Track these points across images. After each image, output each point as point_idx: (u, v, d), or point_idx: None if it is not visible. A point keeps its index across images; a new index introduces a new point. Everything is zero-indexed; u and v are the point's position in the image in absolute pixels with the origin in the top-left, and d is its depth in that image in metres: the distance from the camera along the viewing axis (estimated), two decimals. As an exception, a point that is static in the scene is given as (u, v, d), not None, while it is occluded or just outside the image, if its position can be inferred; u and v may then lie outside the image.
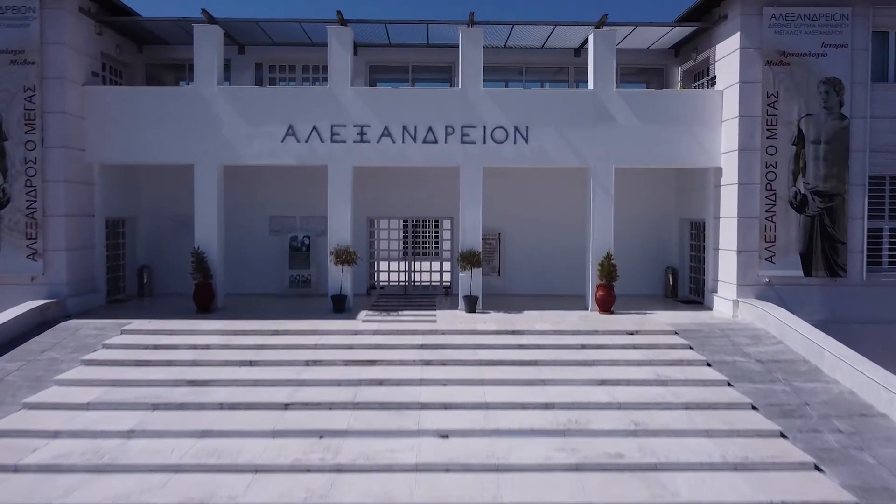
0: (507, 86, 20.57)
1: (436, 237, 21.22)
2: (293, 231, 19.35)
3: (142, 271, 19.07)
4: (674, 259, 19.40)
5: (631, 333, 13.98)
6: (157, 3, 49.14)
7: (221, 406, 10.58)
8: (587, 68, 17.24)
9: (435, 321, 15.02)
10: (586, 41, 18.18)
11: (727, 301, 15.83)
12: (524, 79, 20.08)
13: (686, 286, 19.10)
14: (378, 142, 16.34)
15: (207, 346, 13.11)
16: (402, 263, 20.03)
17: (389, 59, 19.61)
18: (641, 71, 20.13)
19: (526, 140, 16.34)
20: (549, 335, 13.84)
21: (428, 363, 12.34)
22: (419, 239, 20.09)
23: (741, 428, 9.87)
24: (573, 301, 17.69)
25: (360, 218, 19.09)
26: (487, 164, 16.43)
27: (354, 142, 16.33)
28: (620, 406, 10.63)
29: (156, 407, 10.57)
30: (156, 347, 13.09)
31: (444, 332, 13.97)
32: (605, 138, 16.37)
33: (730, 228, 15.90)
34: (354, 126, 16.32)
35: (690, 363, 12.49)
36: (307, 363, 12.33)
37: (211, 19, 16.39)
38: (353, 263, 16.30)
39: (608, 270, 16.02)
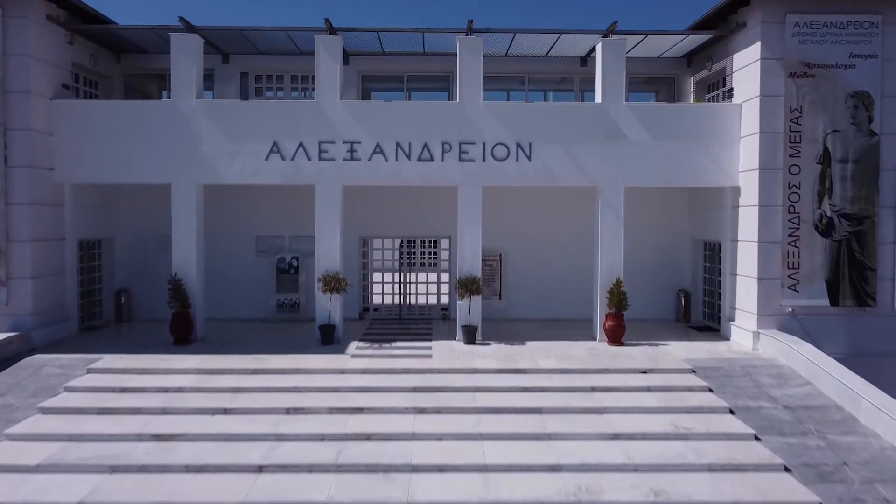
0: (508, 96, 19.44)
1: (433, 255, 20.05)
2: (281, 252, 18.17)
3: (120, 295, 17.90)
4: (686, 281, 18.20)
5: (644, 372, 12.79)
6: (138, 10, 47.94)
7: (187, 468, 9.39)
8: (594, 78, 16.09)
9: (430, 356, 13.83)
10: (593, 50, 17.02)
11: (746, 332, 14.63)
12: (527, 88, 18.91)
13: (699, 310, 17.91)
14: (369, 159, 15.16)
15: (180, 389, 11.93)
16: (396, 286, 18.81)
17: (383, 68, 18.43)
18: (650, 80, 18.94)
19: (529, 157, 15.15)
20: (555, 374, 12.66)
21: (421, 411, 11.15)
22: (415, 259, 18.87)
23: (776, 500, 8.66)
24: (580, 328, 16.51)
25: (352, 238, 17.93)
26: (487, 183, 15.25)
27: (344, 159, 15.15)
28: (637, 468, 9.43)
29: (114, 469, 9.38)
30: (123, 390, 11.91)
31: (439, 371, 12.79)
32: (614, 156, 15.18)
33: (749, 253, 14.71)
34: (344, 142, 15.14)
35: (711, 410, 11.29)
36: (288, 411, 11.13)
37: (189, 27, 15.21)
38: (342, 291, 15.10)
39: (618, 299, 14.83)
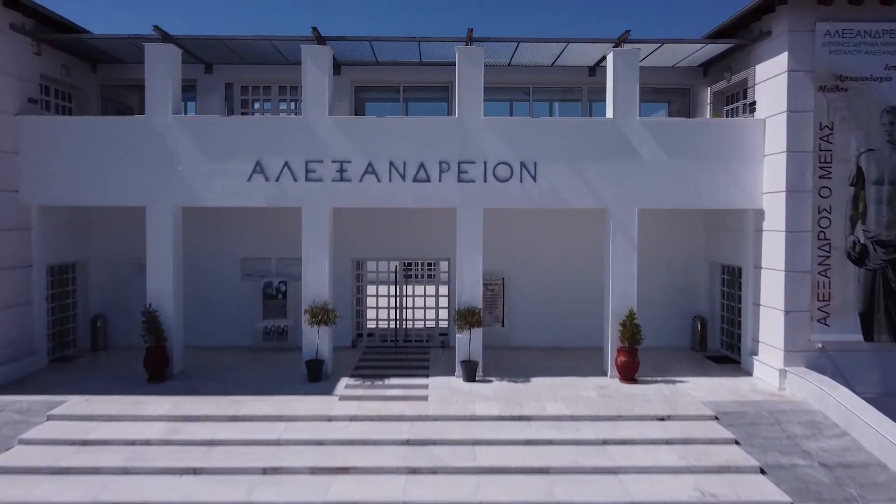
0: (511, 107, 18.22)
1: (430, 276, 18.82)
2: (267, 276, 16.96)
3: (96, 321, 16.73)
4: (702, 306, 16.96)
5: (662, 419, 11.57)
6: (121, 18, 46.69)
7: (144, 549, 8.19)
8: (603, 88, 14.90)
9: (426, 397, 12.63)
10: (603, 59, 15.79)
11: (772, 370, 13.40)
12: (531, 98, 17.66)
13: (717, 338, 16.68)
14: (360, 180, 13.96)
15: (147, 442, 10.74)
16: (392, 311, 17.59)
17: (378, 78, 17.21)
18: (662, 90, 17.67)
19: (534, 178, 13.93)
20: (564, 422, 11.45)
21: (414, 471, 9.94)
22: (412, 283, 17.64)
23: None
24: (588, 357, 15.33)
25: (344, 259, 16.74)
26: (489, 205, 14.06)
27: (333, 180, 13.95)
28: (659, 550, 8.20)
29: (59, 550, 8.18)
30: (84, 443, 10.72)
31: (435, 419, 11.58)
32: (626, 175, 13.96)
33: (774, 283, 13.47)
34: (333, 162, 13.93)
35: (739, 469, 10.05)
36: (265, 471, 9.93)
37: (166, 37, 14.01)
38: (331, 324, 13.90)
39: (631, 333, 13.60)
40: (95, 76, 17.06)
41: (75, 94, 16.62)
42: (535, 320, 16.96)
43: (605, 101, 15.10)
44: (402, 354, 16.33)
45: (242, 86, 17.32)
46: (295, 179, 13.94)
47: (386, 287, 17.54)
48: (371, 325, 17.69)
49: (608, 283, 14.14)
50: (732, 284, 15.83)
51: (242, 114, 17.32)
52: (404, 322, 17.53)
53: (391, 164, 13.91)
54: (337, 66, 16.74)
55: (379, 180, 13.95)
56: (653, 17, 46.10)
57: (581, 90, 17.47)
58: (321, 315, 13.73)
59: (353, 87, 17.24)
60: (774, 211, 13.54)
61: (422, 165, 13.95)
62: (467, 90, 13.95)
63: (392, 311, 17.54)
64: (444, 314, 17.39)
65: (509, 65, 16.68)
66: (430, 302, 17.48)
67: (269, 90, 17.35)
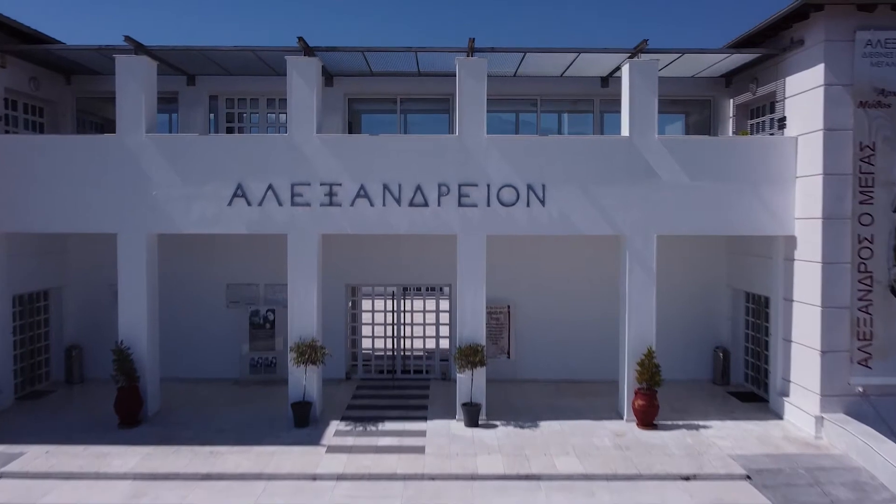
0: (517, 119, 16.93)
1: (430, 295, 17.56)
2: (254, 303, 15.74)
3: (70, 352, 15.57)
4: (724, 336, 15.66)
5: (686, 479, 10.29)
6: (101, 28, 45.38)
7: None
8: (616, 99, 13.75)
9: (423, 449, 11.39)
10: (617, 69, 14.52)
11: (806, 415, 12.11)
12: (539, 110, 16.38)
13: (740, 371, 15.38)
14: (352, 204, 12.73)
15: (106, 509, 9.51)
16: (389, 340, 16.34)
17: (373, 90, 15.97)
18: (679, 102, 16.33)
19: (542, 202, 12.67)
20: (576, 482, 10.20)
21: (406, 549, 8.67)
22: (410, 310, 16.38)
23: None
24: (601, 394, 14.16)
25: (337, 285, 15.55)
26: (492, 232, 12.81)
27: (322, 205, 12.72)
28: None
29: None
30: (35, 510, 9.49)
31: (432, 478, 10.34)
32: (644, 199, 12.69)
33: (809, 318, 12.17)
34: (322, 184, 12.70)
35: (780, 547, 8.76)
36: (235, 548, 8.68)
37: (139, 48, 12.81)
38: (320, 363, 12.67)
39: (650, 374, 12.32)
40: (70, 88, 15.87)
41: (47, 109, 15.44)
42: (544, 351, 15.69)
43: (618, 112, 13.93)
44: (399, 389, 15.08)
45: (228, 98, 16.10)
46: (280, 204, 12.72)
47: (382, 315, 16.27)
48: (367, 353, 16.43)
49: (624, 317, 12.87)
50: (758, 314, 14.53)
51: (228, 128, 16.12)
52: (402, 351, 16.28)
53: (385, 186, 12.68)
54: (329, 78, 15.54)
55: (372, 204, 12.72)
56: (668, 25, 44.27)
57: (592, 101, 16.16)
58: (308, 353, 12.50)
59: (346, 100, 15.99)
60: (808, 239, 12.24)
61: (419, 188, 12.71)
62: (468, 106, 12.69)
63: (389, 341, 16.28)
64: (444, 343, 16.12)
65: (515, 75, 15.41)
66: (431, 330, 16.22)
67: (256, 103, 16.13)
